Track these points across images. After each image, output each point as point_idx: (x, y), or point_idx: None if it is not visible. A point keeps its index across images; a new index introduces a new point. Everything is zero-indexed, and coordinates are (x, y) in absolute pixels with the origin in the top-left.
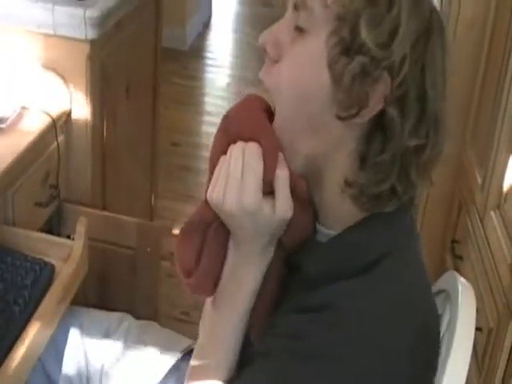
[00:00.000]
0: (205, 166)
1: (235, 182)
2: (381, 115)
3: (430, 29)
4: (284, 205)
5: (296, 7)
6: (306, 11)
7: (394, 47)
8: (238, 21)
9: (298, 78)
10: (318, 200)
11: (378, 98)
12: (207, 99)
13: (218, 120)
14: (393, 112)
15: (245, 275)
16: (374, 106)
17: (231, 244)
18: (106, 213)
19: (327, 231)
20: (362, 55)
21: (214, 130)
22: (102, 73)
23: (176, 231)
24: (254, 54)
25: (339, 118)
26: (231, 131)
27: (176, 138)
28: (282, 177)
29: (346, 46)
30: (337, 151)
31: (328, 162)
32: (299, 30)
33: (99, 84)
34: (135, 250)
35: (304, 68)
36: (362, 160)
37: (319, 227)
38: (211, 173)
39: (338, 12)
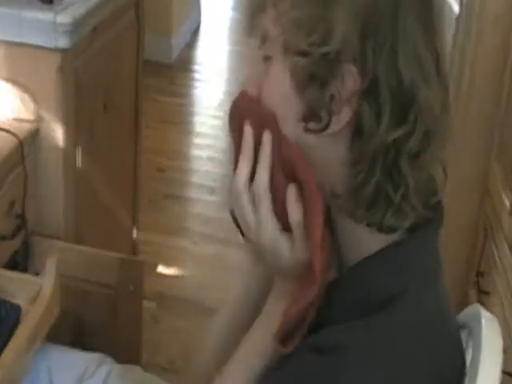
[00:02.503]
0: (194, 194)
1: (249, 219)
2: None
3: (395, 2)
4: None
5: (262, 40)
6: (269, 40)
7: (335, 38)
8: (231, 29)
9: (276, 106)
10: (339, 235)
11: (345, 97)
12: (197, 119)
13: (209, 142)
14: (364, 108)
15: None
16: (343, 107)
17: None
18: (80, 247)
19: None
20: (305, 56)
21: (204, 153)
22: (76, 87)
23: (162, 268)
24: None
25: (309, 130)
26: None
27: (161, 162)
28: (295, 219)
29: (297, 52)
30: (332, 172)
31: (331, 186)
32: (266, 60)
33: (72, 100)
34: (115, 290)
35: (276, 92)
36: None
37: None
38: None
39: (282, 25)
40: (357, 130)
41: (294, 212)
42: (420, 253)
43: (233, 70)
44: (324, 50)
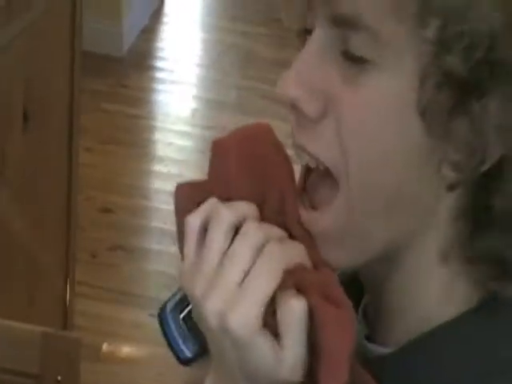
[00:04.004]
0: (153, 244)
1: (227, 288)
2: None
3: None
4: (293, 354)
5: (336, 22)
6: (362, 32)
7: None
8: (207, 9)
9: (374, 143)
10: (384, 299)
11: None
12: (158, 137)
13: (175, 171)
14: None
15: None
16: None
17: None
18: None
19: (379, 349)
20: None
21: (168, 186)
22: None
23: (106, 352)
24: (237, 63)
25: (448, 187)
26: (227, 174)
27: (107, 200)
28: (293, 310)
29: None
30: (430, 223)
31: (415, 237)
32: (354, 60)
33: None
34: (39, 380)
35: (383, 127)
36: (470, 215)
37: (369, 346)
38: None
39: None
40: None
41: None
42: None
43: (209, 66)
44: None
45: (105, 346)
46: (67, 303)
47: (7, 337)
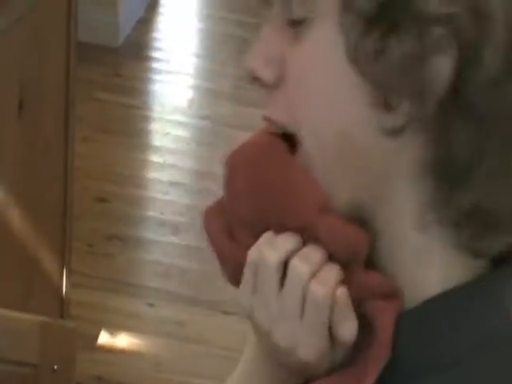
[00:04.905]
0: (150, 234)
1: (290, 327)
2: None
3: None
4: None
5: None
6: None
7: None
8: None
9: (322, 97)
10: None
11: (442, 76)
12: (154, 127)
13: (171, 161)
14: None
15: None
16: (438, 89)
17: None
18: None
19: None
20: (413, 26)
21: (164, 176)
22: None
23: (102, 341)
24: (233, 53)
25: (390, 132)
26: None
27: (104, 190)
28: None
29: (379, 18)
30: (395, 184)
31: (384, 202)
32: (294, 26)
33: None
34: (33, 369)
35: (321, 76)
36: (441, 169)
37: None
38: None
39: None
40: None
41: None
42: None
43: (205, 56)
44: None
45: (101, 336)
46: (64, 293)
47: (4, 326)
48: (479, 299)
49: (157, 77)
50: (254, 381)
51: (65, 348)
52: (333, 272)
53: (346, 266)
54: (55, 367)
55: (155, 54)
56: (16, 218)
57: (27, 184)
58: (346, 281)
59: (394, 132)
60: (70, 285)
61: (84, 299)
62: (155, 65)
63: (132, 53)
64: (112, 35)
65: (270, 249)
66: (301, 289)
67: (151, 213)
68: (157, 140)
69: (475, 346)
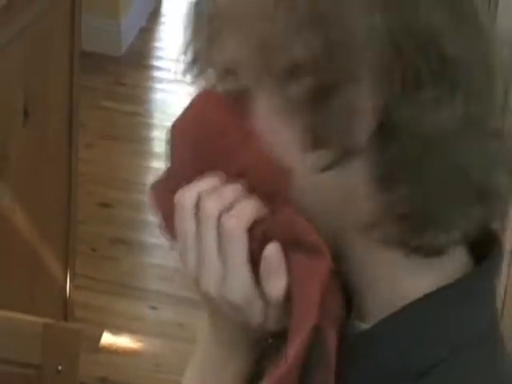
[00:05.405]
0: (152, 238)
1: (212, 267)
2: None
3: None
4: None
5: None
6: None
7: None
8: None
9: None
10: (352, 280)
11: (365, 110)
12: (156, 134)
13: None
14: (397, 107)
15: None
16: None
17: (209, 328)
18: None
19: (360, 325)
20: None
21: None
22: None
23: (106, 342)
24: None
25: (326, 167)
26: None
27: (107, 195)
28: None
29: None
30: (356, 203)
31: (344, 232)
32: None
33: None
34: (37, 370)
35: (268, 132)
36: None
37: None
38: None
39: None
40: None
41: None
42: (475, 303)
43: None
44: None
45: (104, 338)
46: (68, 295)
47: (9, 328)
48: (456, 304)
49: (159, 85)
50: (205, 365)
51: (69, 349)
52: (248, 206)
53: (270, 202)
54: (59, 368)
55: (157, 63)
56: (21, 223)
57: (32, 189)
58: (270, 220)
59: (329, 167)
60: (73, 288)
61: (88, 302)
62: (157, 73)
63: (134, 62)
64: (115, 45)
65: (185, 190)
66: (213, 226)
67: (153, 217)
68: (159, 147)
69: (455, 349)
